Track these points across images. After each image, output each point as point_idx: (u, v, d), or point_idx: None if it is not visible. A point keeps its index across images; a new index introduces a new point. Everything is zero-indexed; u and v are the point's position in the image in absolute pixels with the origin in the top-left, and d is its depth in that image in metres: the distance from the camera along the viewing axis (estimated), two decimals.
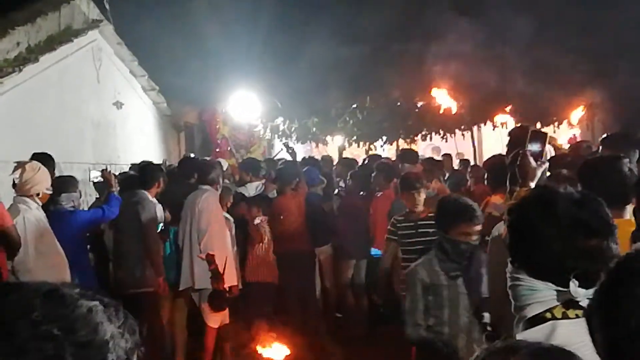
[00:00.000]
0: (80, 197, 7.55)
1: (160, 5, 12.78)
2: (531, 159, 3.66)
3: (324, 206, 9.19)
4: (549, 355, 1.36)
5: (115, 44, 12.82)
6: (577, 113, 13.72)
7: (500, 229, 5.26)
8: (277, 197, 9.05)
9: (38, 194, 6.07)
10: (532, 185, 3.62)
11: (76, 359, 1.08)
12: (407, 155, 9.98)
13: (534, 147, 3.74)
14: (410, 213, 6.85)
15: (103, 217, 7.00)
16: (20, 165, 6.16)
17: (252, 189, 9.29)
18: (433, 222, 6.33)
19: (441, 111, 13.49)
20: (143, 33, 12.63)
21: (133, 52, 13.16)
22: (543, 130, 6.86)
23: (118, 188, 7.20)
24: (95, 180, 7.59)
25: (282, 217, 8.66)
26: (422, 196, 6.85)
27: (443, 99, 13.17)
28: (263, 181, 9.38)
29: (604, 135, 6.08)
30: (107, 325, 1.14)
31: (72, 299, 1.14)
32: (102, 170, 7.39)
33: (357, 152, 14.55)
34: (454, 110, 13.32)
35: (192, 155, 11.62)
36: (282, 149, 11.89)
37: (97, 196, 8.46)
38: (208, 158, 10.87)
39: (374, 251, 8.71)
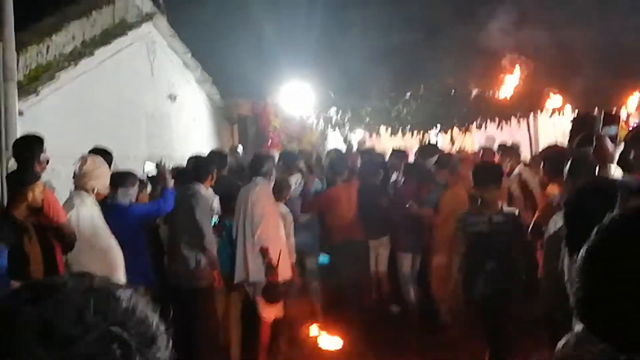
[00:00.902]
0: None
1: None
2: (608, 142, 3.53)
3: (382, 198, 9.10)
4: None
5: (168, 37, 12.91)
6: (634, 99, 13.35)
7: (558, 223, 5.12)
8: (328, 188, 9.03)
9: (94, 190, 6.09)
10: (613, 167, 3.51)
11: (142, 355, 1.02)
12: (427, 151, 9.91)
13: (611, 130, 3.61)
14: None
15: (159, 211, 7.03)
16: (83, 157, 6.21)
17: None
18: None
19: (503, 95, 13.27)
20: (196, 25, 12.70)
21: (186, 44, 13.23)
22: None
23: (172, 181, 7.22)
24: (150, 175, 7.61)
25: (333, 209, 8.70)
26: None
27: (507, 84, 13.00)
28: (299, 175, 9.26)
29: None
30: (152, 315, 1.07)
31: (114, 292, 1.06)
32: (157, 164, 7.40)
33: (409, 143, 14.35)
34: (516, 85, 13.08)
35: (240, 147, 11.65)
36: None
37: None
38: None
39: None
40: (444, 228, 8.21)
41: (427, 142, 13.91)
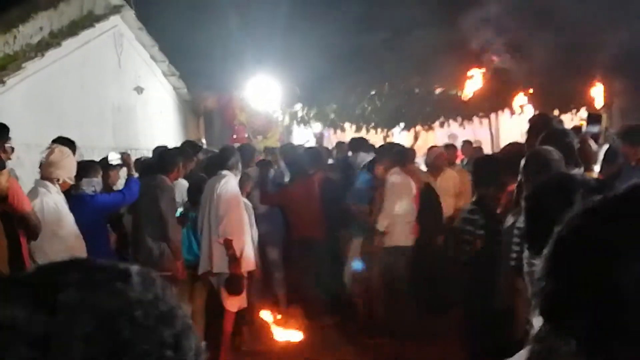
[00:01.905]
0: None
1: None
2: (592, 142, 3.63)
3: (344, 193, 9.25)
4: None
5: (136, 29, 12.92)
6: (598, 99, 13.66)
7: (510, 219, 5.30)
8: (289, 183, 9.16)
9: (59, 180, 6.15)
10: (596, 167, 3.59)
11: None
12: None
13: (593, 129, 3.71)
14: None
15: (123, 200, 7.08)
16: (51, 147, 6.24)
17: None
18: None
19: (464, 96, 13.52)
20: (164, 18, 12.72)
21: (154, 37, 13.25)
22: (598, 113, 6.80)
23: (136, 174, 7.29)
24: (114, 163, 7.60)
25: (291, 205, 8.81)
26: None
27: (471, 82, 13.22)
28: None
29: (623, 130, 5.96)
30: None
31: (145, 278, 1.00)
32: (122, 153, 7.44)
33: (375, 139, 14.54)
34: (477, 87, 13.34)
35: (204, 141, 11.72)
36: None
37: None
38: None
39: None
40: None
41: (391, 139, 14.09)
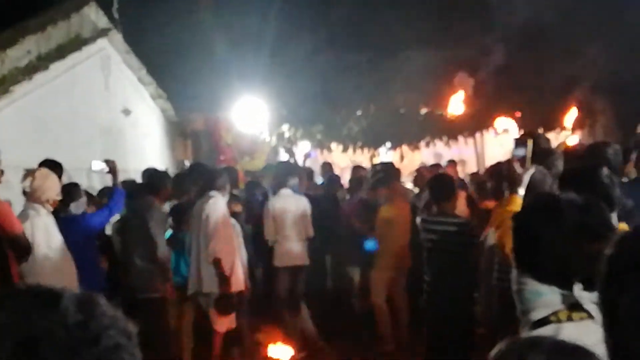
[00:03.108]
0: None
1: (168, 14, 12.94)
2: (517, 165, 3.75)
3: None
4: (568, 351, 1.36)
5: (123, 53, 12.98)
6: (572, 118, 13.85)
7: (492, 238, 5.40)
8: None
9: (48, 200, 6.19)
10: (521, 190, 3.71)
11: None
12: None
13: (519, 152, 3.84)
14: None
15: (110, 214, 7.02)
16: (29, 173, 6.26)
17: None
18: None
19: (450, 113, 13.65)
20: (151, 41, 12.81)
21: (141, 60, 13.32)
22: (546, 135, 6.99)
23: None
24: (98, 169, 7.41)
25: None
26: None
27: (454, 103, 13.35)
28: None
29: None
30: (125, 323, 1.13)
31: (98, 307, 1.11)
32: (107, 160, 7.24)
33: (361, 159, 14.65)
34: (461, 113, 13.48)
35: (187, 162, 11.77)
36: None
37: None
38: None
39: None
40: (381, 243, 8.61)
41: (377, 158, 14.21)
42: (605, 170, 3.75)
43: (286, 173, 9.11)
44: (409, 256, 8.54)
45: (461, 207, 8.29)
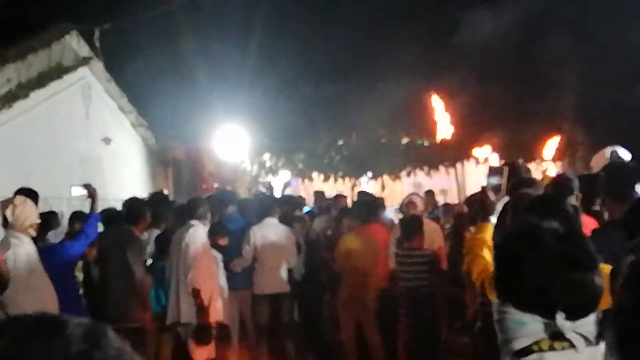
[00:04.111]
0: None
1: (149, 43, 12.98)
2: (490, 193, 3.76)
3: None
4: None
5: (104, 81, 12.97)
6: (552, 149, 13.98)
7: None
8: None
9: (31, 226, 6.13)
10: (493, 219, 3.71)
11: None
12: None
13: (493, 180, 3.87)
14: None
15: (87, 240, 6.87)
16: (6, 202, 6.20)
17: None
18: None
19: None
20: (132, 70, 12.82)
21: (122, 88, 13.31)
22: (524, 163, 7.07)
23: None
24: (78, 195, 7.34)
25: None
26: None
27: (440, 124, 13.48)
28: None
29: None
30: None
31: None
32: (86, 185, 7.14)
33: (342, 189, 14.66)
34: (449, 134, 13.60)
35: (166, 191, 11.74)
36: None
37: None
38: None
39: None
40: (342, 275, 8.64)
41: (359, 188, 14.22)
42: (570, 200, 3.75)
43: (272, 202, 9.16)
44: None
45: (437, 239, 8.42)
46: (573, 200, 3.80)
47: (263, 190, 11.01)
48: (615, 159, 6.42)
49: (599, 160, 6.63)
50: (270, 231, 8.70)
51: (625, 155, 6.60)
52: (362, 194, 10.97)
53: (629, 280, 1.39)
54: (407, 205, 9.36)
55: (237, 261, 8.61)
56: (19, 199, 6.19)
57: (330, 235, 9.62)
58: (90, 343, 1.06)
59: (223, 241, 8.24)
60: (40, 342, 1.03)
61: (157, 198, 9.15)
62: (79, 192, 7.13)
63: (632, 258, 1.41)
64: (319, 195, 11.59)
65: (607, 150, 6.64)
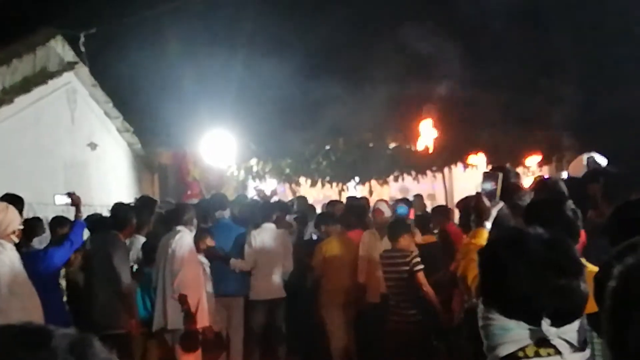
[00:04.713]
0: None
1: (135, 48, 12.92)
2: (485, 199, 3.76)
3: None
4: None
5: (90, 86, 12.90)
6: (535, 158, 14.04)
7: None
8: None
9: (14, 232, 6.07)
10: (488, 224, 3.71)
11: None
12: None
13: (487, 186, 3.85)
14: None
15: (71, 247, 6.85)
16: None
17: None
18: None
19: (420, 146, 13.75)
20: (118, 75, 12.76)
21: (108, 93, 13.25)
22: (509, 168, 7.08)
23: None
24: (62, 203, 7.32)
25: None
26: None
27: (424, 135, 13.45)
28: None
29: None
30: None
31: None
32: (69, 193, 7.16)
33: (329, 193, 14.65)
34: (431, 149, 13.59)
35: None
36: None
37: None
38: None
39: None
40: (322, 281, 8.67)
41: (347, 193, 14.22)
42: (569, 204, 3.76)
43: (271, 207, 9.15)
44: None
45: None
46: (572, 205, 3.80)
47: (257, 199, 10.95)
48: (592, 165, 6.47)
49: (577, 166, 6.69)
50: (268, 236, 8.69)
51: (602, 161, 6.64)
52: (351, 199, 10.97)
53: (618, 291, 1.39)
54: (374, 212, 9.42)
55: (237, 263, 8.59)
56: (1, 205, 6.13)
57: (313, 240, 9.64)
58: (77, 355, 1.06)
59: (210, 242, 8.22)
60: (26, 355, 1.02)
61: (140, 203, 9.11)
62: (63, 200, 7.10)
63: (621, 267, 1.40)
64: (301, 200, 11.57)
65: (584, 157, 6.68)
